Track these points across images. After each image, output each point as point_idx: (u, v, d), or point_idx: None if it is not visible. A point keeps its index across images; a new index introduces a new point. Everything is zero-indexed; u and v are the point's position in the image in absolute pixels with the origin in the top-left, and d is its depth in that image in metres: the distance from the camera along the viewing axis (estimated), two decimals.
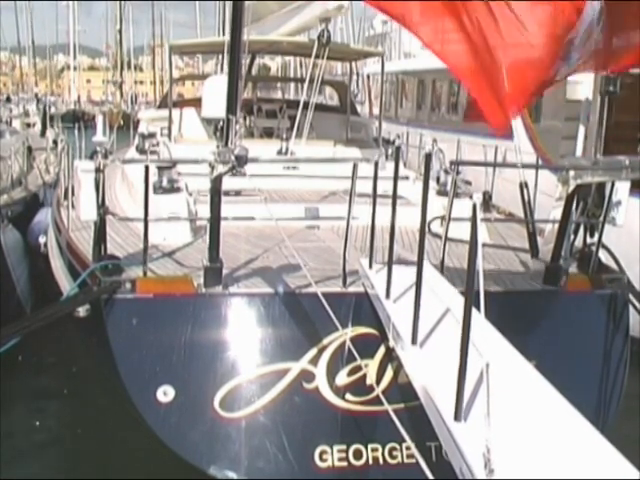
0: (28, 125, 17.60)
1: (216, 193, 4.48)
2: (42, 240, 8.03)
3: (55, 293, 6.23)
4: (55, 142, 14.57)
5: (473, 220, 2.53)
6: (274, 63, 34.52)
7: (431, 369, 3.47)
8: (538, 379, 3.34)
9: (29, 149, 12.44)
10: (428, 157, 3.86)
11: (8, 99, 22.68)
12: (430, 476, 2.56)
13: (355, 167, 4.79)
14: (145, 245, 4.72)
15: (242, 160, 4.17)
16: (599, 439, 2.76)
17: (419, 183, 6.59)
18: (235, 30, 4.26)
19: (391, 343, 4.27)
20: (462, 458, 2.60)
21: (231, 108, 4.26)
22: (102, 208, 4.82)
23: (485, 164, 9.85)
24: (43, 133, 16.47)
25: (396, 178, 4.51)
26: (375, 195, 4.91)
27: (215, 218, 4.54)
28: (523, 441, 2.75)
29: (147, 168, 4.62)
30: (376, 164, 4.89)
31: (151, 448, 4.48)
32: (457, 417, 2.84)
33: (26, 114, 19.22)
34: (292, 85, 22.74)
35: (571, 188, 4.84)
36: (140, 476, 5.01)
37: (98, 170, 4.71)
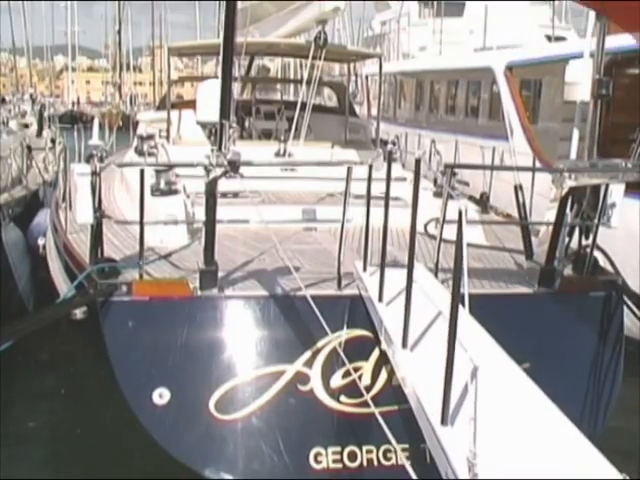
0: (25, 126, 17.60)
1: (211, 196, 4.50)
2: (41, 242, 8.05)
3: (54, 295, 6.25)
4: (53, 141, 14.59)
5: (459, 225, 2.55)
6: (274, 64, 34.49)
7: (420, 373, 3.49)
8: (526, 383, 3.36)
9: (29, 148, 12.46)
10: (418, 163, 3.87)
11: (3, 100, 22.62)
12: (414, 476, 2.59)
13: (349, 170, 4.80)
14: (141, 248, 4.73)
15: (234, 164, 4.19)
16: (585, 444, 2.78)
17: None
18: (228, 34, 4.25)
19: (383, 346, 4.30)
20: (447, 461, 2.63)
21: (224, 113, 4.28)
22: (98, 211, 4.83)
23: (480, 167, 9.87)
24: (39, 133, 16.48)
25: (388, 181, 4.52)
26: (369, 197, 4.92)
27: (210, 221, 4.56)
28: (509, 445, 2.78)
29: (142, 171, 4.63)
30: (370, 166, 4.90)
31: (148, 450, 4.50)
32: (444, 421, 2.86)
33: (22, 115, 19.20)
34: (292, 86, 22.75)
35: (565, 190, 4.86)
36: (139, 476, 5.04)
37: (94, 173, 4.72)
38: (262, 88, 16.40)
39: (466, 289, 2.58)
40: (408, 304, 3.78)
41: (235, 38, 4.23)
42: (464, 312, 2.76)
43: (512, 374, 3.47)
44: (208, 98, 4.76)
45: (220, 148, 4.24)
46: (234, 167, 4.19)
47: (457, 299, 2.75)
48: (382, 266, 4.50)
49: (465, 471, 2.48)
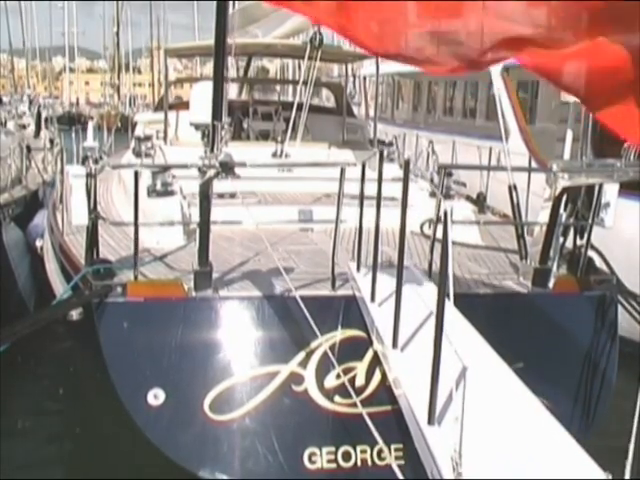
0: (22, 127, 17.59)
1: (205, 198, 4.52)
2: (39, 244, 8.07)
3: (51, 296, 6.26)
4: (52, 141, 14.60)
5: (444, 226, 2.57)
6: (273, 65, 34.60)
7: (410, 373, 3.50)
8: (515, 382, 3.37)
9: (28, 148, 12.50)
10: (407, 163, 3.89)
11: (0, 101, 22.60)
12: (400, 476, 2.61)
13: (343, 170, 4.82)
14: (136, 249, 4.74)
15: (226, 166, 4.20)
16: (571, 443, 2.80)
17: (414, 185, 6.61)
18: (219, 35, 4.26)
19: (375, 346, 4.31)
20: (432, 461, 2.65)
21: (216, 114, 4.29)
22: (94, 212, 4.85)
23: (475, 167, 9.87)
24: (37, 134, 16.50)
25: (380, 182, 4.54)
26: (362, 197, 4.94)
27: (205, 222, 4.57)
28: (495, 445, 2.79)
29: (136, 173, 4.65)
30: (363, 166, 4.92)
31: (144, 450, 4.51)
32: (430, 421, 2.88)
33: (20, 116, 19.17)
34: (290, 87, 22.78)
35: (558, 190, 4.87)
36: (134, 477, 5.04)
37: (89, 175, 4.74)
38: (260, 89, 16.43)
39: (451, 287, 2.60)
40: (398, 304, 3.79)
41: (227, 39, 4.24)
42: (452, 311, 2.77)
43: (501, 373, 3.48)
44: (201, 99, 4.77)
45: (212, 149, 4.26)
46: (226, 168, 4.21)
47: (443, 297, 2.76)
48: (374, 266, 4.52)
49: (450, 471, 2.50)
